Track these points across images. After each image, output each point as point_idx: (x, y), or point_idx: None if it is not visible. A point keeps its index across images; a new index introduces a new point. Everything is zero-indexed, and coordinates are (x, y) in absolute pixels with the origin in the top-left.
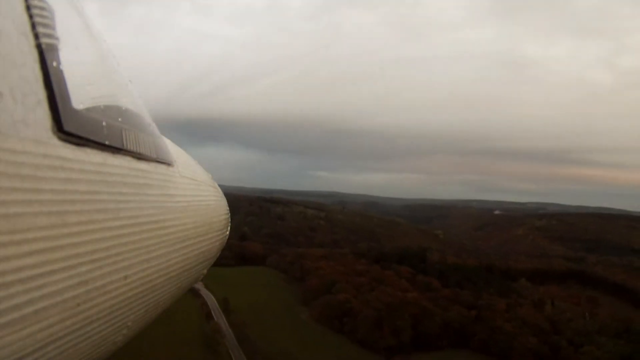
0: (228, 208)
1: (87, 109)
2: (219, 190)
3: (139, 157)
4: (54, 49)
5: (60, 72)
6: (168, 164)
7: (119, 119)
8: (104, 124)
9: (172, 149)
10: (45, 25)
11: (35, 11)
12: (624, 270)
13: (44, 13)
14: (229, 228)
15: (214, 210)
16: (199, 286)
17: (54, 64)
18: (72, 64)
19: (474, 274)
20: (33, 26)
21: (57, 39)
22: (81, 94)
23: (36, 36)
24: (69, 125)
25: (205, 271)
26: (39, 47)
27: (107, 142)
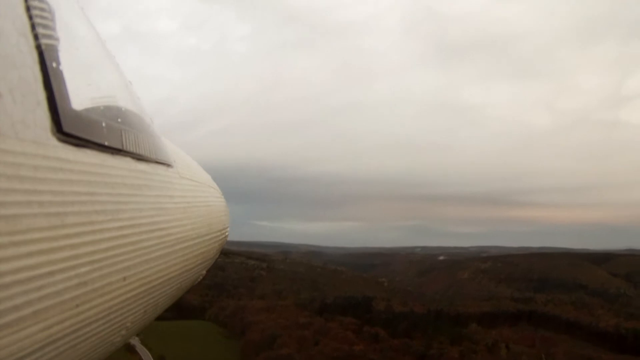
0: (228, 209)
1: (87, 110)
2: (219, 191)
3: (138, 158)
4: (54, 49)
5: (60, 73)
6: (167, 164)
7: (119, 120)
8: (103, 124)
9: (171, 149)
10: (45, 26)
11: (35, 11)
12: (574, 307)
13: (44, 13)
14: (228, 229)
15: (214, 211)
16: (135, 342)
17: (54, 64)
18: (72, 64)
19: (423, 321)
20: (33, 26)
21: (57, 39)
22: (81, 95)
23: (36, 36)
24: (68, 126)
25: (204, 272)
26: (38, 47)
27: (106, 143)
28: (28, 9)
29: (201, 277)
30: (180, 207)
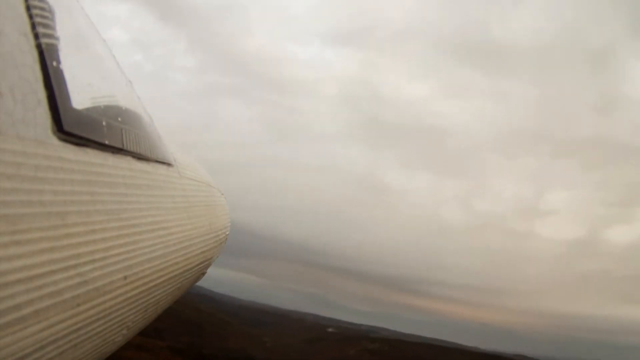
0: (228, 208)
1: (87, 109)
2: (220, 190)
3: (139, 157)
4: (54, 49)
5: (60, 72)
6: (168, 164)
7: (119, 119)
8: (104, 124)
9: (172, 149)
10: (45, 25)
11: (35, 11)
12: None
13: (44, 13)
14: (229, 228)
15: (215, 211)
16: None
17: (54, 64)
18: (72, 64)
19: None
20: (33, 26)
21: (57, 39)
22: (81, 94)
23: (36, 36)
24: (69, 126)
25: (205, 271)
26: (39, 47)
27: (107, 142)
28: (28, 8)
29: (202, 277)
30: (181, 207)
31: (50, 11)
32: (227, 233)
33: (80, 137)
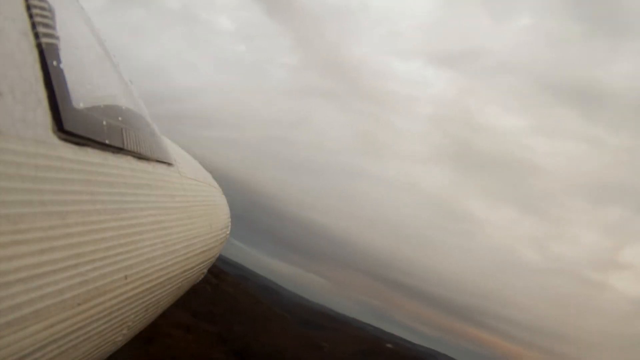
0: (229, 207)
1: (87, 109)
2: (220, 189)
3: (139, 156)
4: (54, 49)
5: (60, 72)
6: (168, 163)
7: (119, 119)
8: (104, 123)
9: (172, 148)
10: (45, 25)
11: (35, 11)
12: None
13: (44, 13)
14: (229, 227)
15: (215, 210)
16: None
17: (54, 63)
18: (72, 64)
19: None
20: (33, 26)
21: (57, 39)
22: (81, 94)
23: (36, 36)
24: (69, 125)
25: (205, 271)
26: (39, 47)
27: (107, 142)
28: (28, 8)
29: (202, 276)
30: (181, 206)
31: (50, 11)
32: (228, 233)
33: (81, 137)
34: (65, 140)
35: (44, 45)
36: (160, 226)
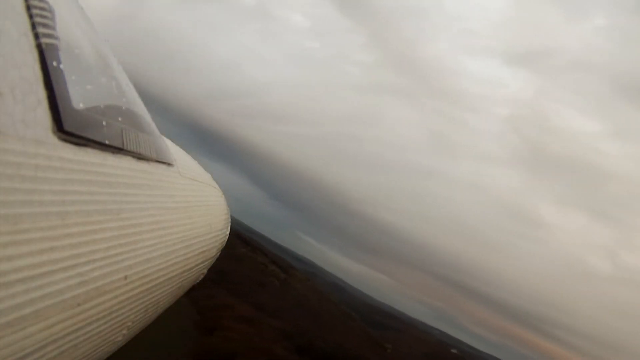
0: (228, 208)
1: (87, 109)
2: (219, 190)
3: (139, 157)
4: (54, 49)
5: (60, 72)
6: (168, 164)
7: (119, 119)
8: (104, 123)
9: (172, 149)
10: (45, 25)
11: (35, 11)
12: None
13: (44, 13)
14: (229, 228)
15: (214, 210)
16: None
17: (54, 64)
18: (72, 64)
19: None
20: (33, 26)
21: (57, 39)
22: (81, 94)
23: (36, 36)
24: (69, 125)
25: (205, 271)
26: (39, 47)
27: (107, 142)
28: (28, 8)
29: (202, 277)
30: (181, 207)
31: (50, 11)
32: (227, 233)
33: (81, 137)
34: (65, 140)
35: (44, 46)
36: (160, 226)
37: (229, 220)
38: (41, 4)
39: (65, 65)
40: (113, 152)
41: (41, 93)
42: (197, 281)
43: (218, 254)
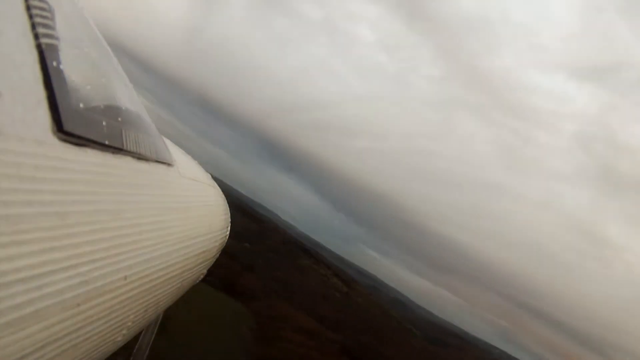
0: (228, 208)
1: (87, 109)
2: (219, 190)
3: (139, 157)
4: (54, 49)
5: (60, 72)
6: (168, 164)
7: (119, 119)
8: (104, 124)
9: (172, 149)
10: (45, 25)
11: (35, 11)
12: None
13: (44, 13)
14: (229, 228)
15: (214, 210)
16: None
17: (54, 64)
18: (71, 64)
19: None
20: (33, 26)
21: (57, 39)
22: (81, 94)
23: (36, 36)
24: (69, 125)
25: (205, 271)
26: (39, 47)
27: (107, 142)
28: (28, 8)
29: (202, 277)
30: (181, 207)
31: (50, 11)
32: (227, 233)
33: (80, 137)
34: (65, 140)
35: (43, 46)
36: (159, 226)
37: (229, 220)
38: (41, 4)
39: (65, 65)
40: (113, 152)
41: (41, 93)
42: (197, 281)
43: (218, 254)
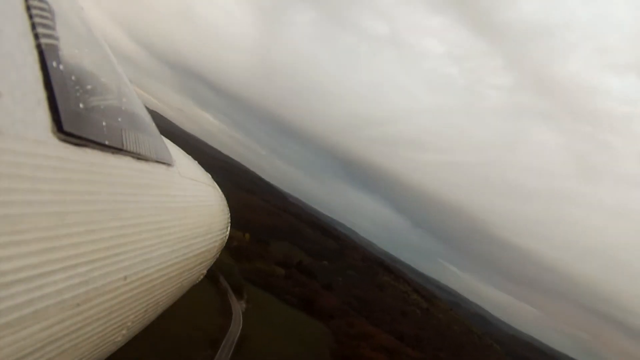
0: (228, 208)
1: (87, 109)
2: (219, 190)
3: (138, 157)
4: (54, 49)
5: (60, 72)
6: (168, 164)
7: (119, 119)
8: (103, 124)
9: (171, 149)
10: (45, 26)
11: (35, 11)
12: None
13: (44, 13)
14: (228, 228)
15: (214, 211)
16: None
17: (54, 64)
18: (71, 64)
19: None
20: (33, 26)
21: (57, 39)
22: (81, 95)
23: (36, 36)
24: (68, 126)
25: (205, 271)
26: (39, 47)
27: (107, 142)
28: (28, 8)
29: (202, 277)
30: (181, 207)
31: (50, 11)
32: (227, 233)
33: (80, 137)
34: (65, 140)
35: (43, 46)
36: (159, 227)
37: (229, 220)
38: (41, 4)
39: (65, 66)
40: (113, 152)
41: (41, 93)
42: (197, 281)
43: (218, 255)
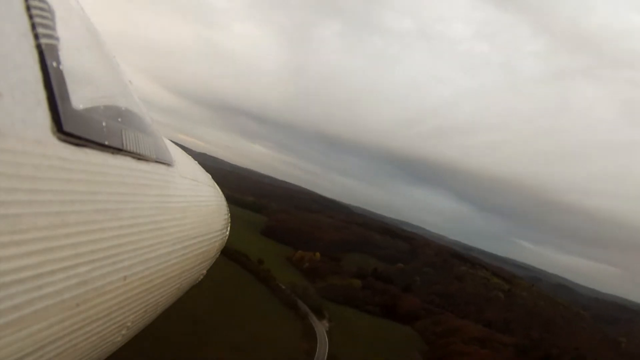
0: (228, 208)
1: (87, 109)
2: (219, 190)
3: (138, 157)
4: (54, 49)
5: (60, 72)
6: (168, 164)
7: (119, 119)
8: (103, 124)
9: (172, 149)
10: (45, 26)
11: (35, 11)
12: None
13: (44, 13)
14: (228, 228)
15: (214, 211)
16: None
17: (54, 64)
18: (72, 64)
19: None
20: (33, 26)
21: (57, 39)
22: (81, 94)
23: (36, 36)
24: (68, 126)
25: (204, 272)
26: (39, 47)
27: (107, 143)
28: (28, 8)
29: (202, 277)
30: (181, 207)
31: (50, 11)
32: (227, 233)
33: (80, 137)
34: (65, 141)
35: (43, 46)
36: (159, 227)
37: (229, 220)
38: (41, 4)
39: (65, 66)
40: (113, 153)
41: (41, 93)
42: (197, 282)
43: (217, 255)
